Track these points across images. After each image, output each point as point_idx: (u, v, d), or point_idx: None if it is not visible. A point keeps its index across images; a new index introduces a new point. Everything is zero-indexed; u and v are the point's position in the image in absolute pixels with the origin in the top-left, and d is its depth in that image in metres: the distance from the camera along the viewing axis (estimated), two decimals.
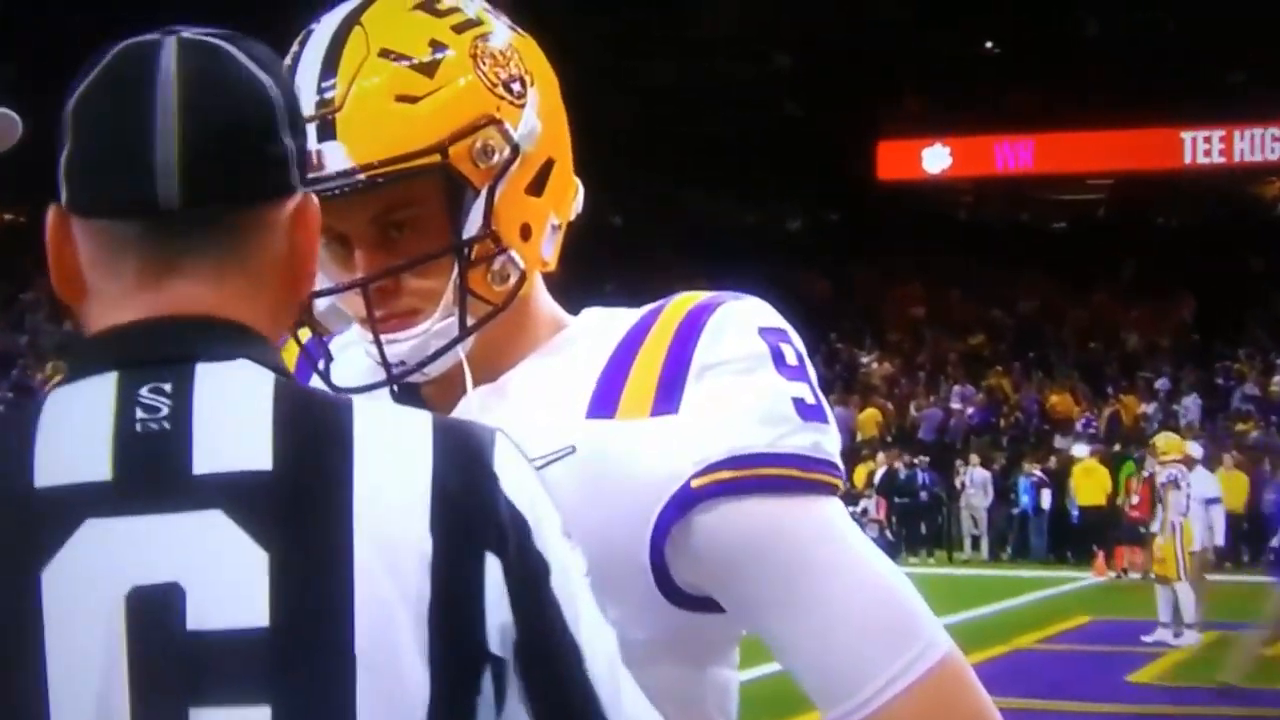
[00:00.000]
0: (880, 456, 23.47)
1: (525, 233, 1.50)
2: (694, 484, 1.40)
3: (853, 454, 23.55)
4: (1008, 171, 32.24)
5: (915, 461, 23.39)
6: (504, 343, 1.52)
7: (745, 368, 1.44)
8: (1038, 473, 22.53)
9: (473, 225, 1.46)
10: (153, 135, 1.08)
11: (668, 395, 1.43)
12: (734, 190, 32.48)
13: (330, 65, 1.44)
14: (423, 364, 1.48)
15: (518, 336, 1.53)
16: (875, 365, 28.55)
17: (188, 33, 1.12)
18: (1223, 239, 29.96)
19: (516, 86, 1.49)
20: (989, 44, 34.17)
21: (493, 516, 1.07)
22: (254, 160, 1.11)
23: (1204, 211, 32.24)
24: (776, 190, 32.47)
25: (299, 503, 1.04)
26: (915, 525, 23.06)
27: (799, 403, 1.45)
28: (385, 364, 1.47)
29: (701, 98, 30.89)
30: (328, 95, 1.43)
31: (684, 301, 1.50)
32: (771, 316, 1.49)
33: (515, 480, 1.10)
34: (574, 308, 1.59)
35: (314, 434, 1.07)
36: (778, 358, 1.46)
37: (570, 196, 1.56)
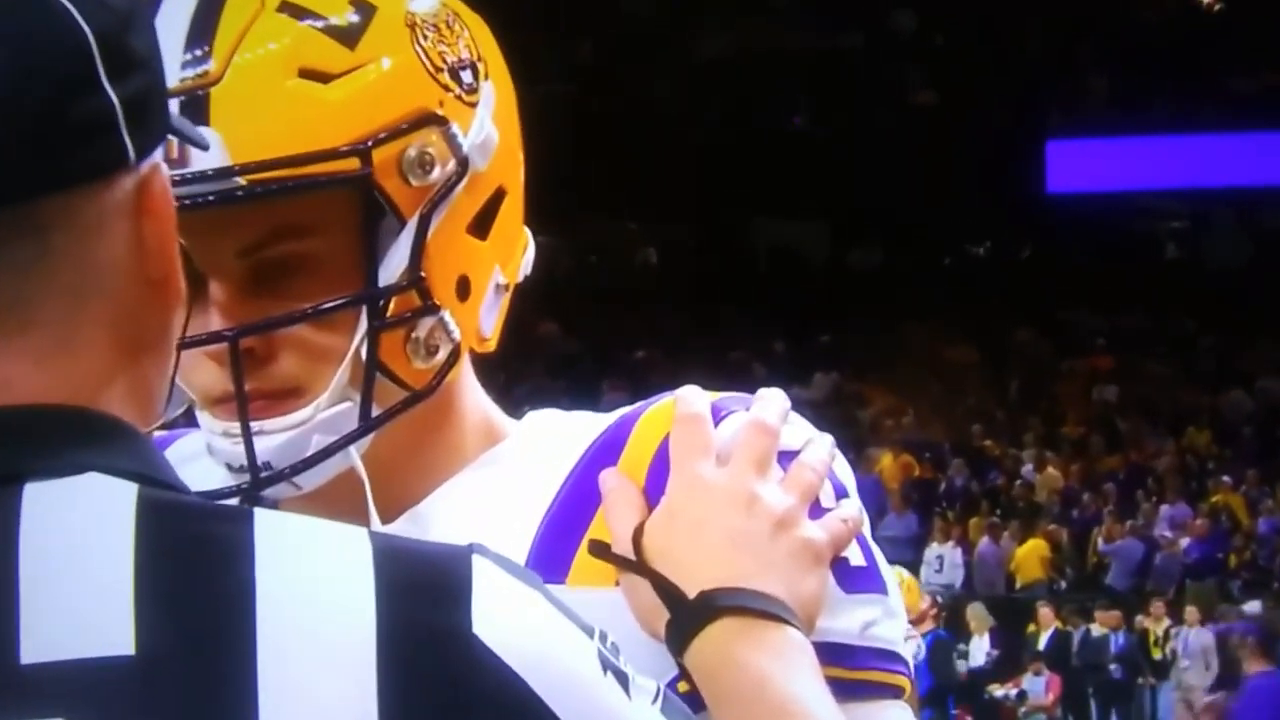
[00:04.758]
0: (1048, 611, 23.44)
1: (463, 289, 1.52)
2: (681, 688, 1.39)
3: (1008, 608, 23.67)
4: (1238, 185, 32.32)
5: (1103, 618, 23.52)
6: (415, 453, 1.53)
7: None
8: None
9: (392, 269, 1.47)
10: None
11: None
12: (820, 214, 32.63)
13: (206, 19, 1.44)
14: (297, 469, 1.46)
15: (437, 445, 1.54)
16: (1043, 473, 28.64)
17: None
18: None
19: (467, 76, 1.52)
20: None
21: (475, 707, 1.07)
22: (47, 127, 1.08)
23: None
24: (892, 214, 32.50)
25: (178, 702, 1.04)
26: (1103, 713, 23.13)
27: (839, 565, 1.46)
28: (252, 464, 1.45)
29: (770, 77, 30.99)
30: (199, 66, 1.43)
31: (663, 413, 1.50)
32: (798, 431, 1.49)
33: (505, 629, 1.09)
34: (510, 398, 1.66)
35: (197, 588, 1.07)
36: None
37: (520, 247, 1.60)
